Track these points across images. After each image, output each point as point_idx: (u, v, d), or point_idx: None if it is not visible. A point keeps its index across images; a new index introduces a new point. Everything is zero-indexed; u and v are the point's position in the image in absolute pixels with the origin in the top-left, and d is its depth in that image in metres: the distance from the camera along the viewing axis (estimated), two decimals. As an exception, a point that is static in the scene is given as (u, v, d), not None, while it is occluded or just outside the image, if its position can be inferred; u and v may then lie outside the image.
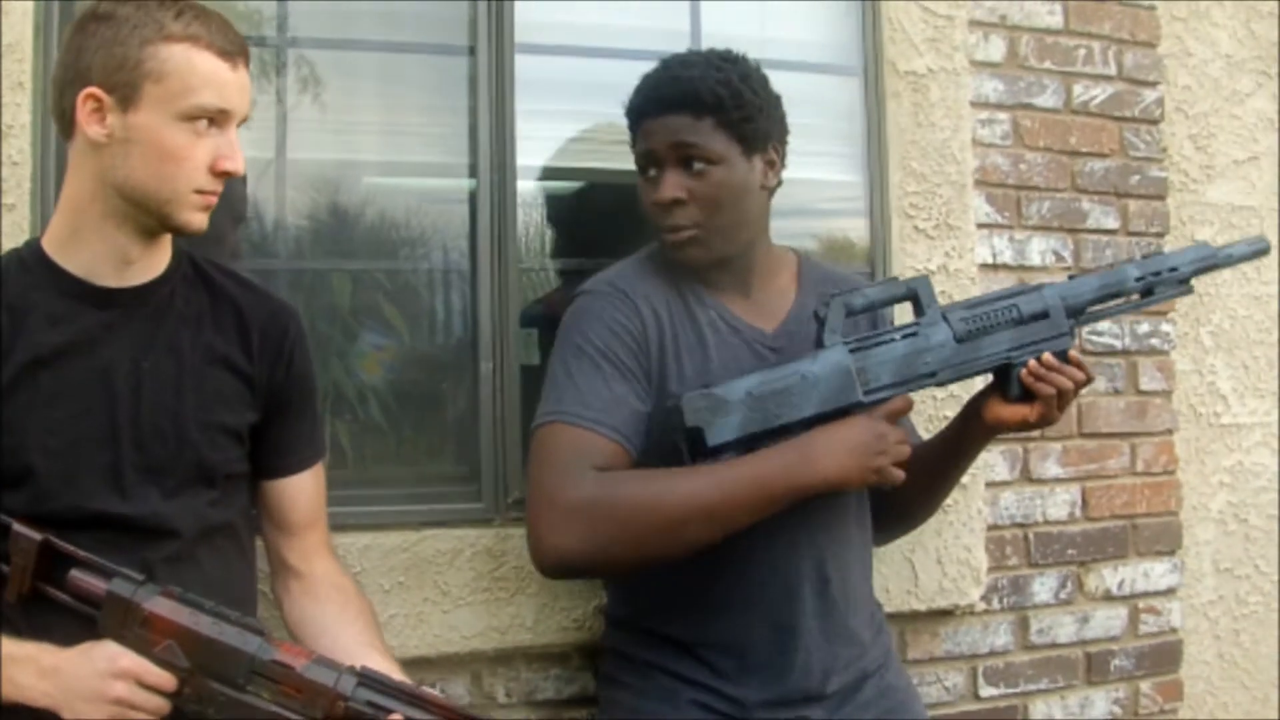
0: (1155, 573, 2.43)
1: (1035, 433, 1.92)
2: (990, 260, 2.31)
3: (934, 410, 2.14)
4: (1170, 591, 2.45)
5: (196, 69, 1.35)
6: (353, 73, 1.98)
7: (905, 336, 1.61)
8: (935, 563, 2.15)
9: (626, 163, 2.19)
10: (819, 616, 1.66)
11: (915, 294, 1.64)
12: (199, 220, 1.41)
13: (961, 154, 2.27)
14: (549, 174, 2.15)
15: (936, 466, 1.77)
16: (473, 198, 2.00)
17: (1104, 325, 2.40)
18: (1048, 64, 2.42)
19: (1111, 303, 1.72)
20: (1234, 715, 2.53)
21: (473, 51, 2.00)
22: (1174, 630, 2.45)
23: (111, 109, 1.34)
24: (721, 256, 1.65)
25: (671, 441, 1.55)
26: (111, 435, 1.39)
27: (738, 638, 1.63)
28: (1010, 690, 2.28)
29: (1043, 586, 2.32)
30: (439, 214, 2.07)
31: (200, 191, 1.39)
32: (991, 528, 2.25)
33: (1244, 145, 2.64)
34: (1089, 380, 1.67)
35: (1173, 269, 1.71)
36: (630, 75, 2.14)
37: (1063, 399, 1.64)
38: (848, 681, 1.68)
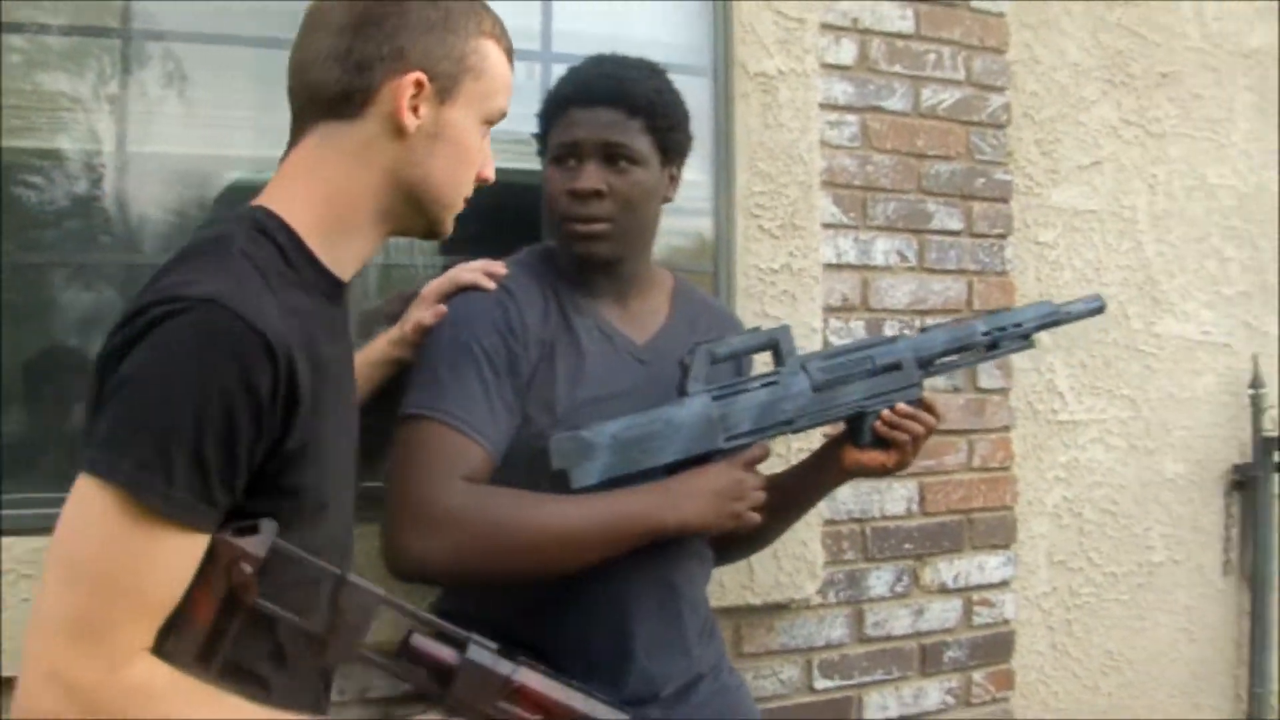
0: (990, 565, 2.50)
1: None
2: (835, 260, 2.34)
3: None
4: (1004, 584, 2.52)
5: (503, 72, 1.29)
6: (225, 66, 1.94)
7: (765, 385, 1.68)
8: (771, 557, 2.17)
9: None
10: (661, 624, 1.68)
11: (776, 343, 1.70)
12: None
13: (809, 155, 2.29)
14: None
15: (790, 500, 1.86)
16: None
17: (950, 324, 2.46)
18: (898, 68, 2.45)
19: (959, 355, 1.84)
20: (1064, 703, 2.62)
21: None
22: (1007, 621, 2.52)
23: (428, 99, 1.22)
24: (620, 257, 1.68)
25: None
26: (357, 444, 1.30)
27: (578, 642, 1.64)
28: (845, 682, 2.32)
29: (879, 580, 2.36)
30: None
31: (466, 200, 1.31)
32: (828, 523, 2.29)
33: (1088, 151, 2.72)
34: (939, 421, 1.78)
35: (1017, 324, 1.85)
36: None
37: (916, 444, 1.75)
38: (682, 684, 1.71)
